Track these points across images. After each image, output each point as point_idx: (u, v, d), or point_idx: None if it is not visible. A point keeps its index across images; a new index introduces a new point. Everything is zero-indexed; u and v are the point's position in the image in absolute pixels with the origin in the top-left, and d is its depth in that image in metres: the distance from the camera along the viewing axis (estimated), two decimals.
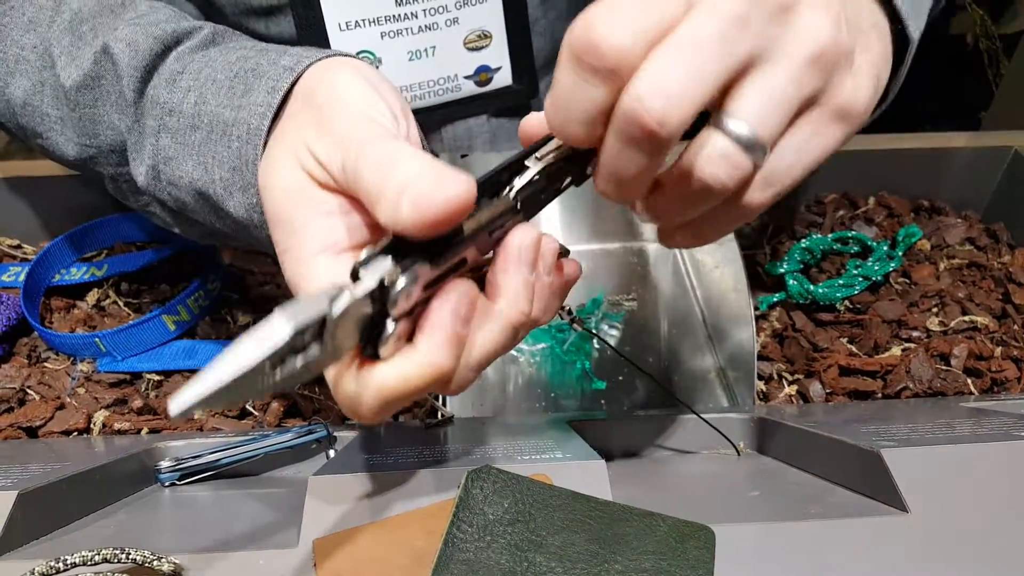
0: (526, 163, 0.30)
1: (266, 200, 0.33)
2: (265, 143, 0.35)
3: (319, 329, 0.24)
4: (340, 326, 0.25)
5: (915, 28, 0.33)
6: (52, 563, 0.30)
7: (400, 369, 0.27)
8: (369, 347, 0.27)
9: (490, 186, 0.30)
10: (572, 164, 0.31)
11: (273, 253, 0.33)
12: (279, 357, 0.24)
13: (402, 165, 0.27)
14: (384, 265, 0.26)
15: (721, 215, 0.30)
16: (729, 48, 0.24)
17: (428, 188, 0.26)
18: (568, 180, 0.31)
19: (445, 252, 0.28)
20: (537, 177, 0.30)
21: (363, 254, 0.27)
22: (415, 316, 0.28)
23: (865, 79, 0.28)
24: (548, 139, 0.31)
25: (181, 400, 0.23)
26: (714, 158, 0.26)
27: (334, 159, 0.30)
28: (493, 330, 0.30)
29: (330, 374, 0.29)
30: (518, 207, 0.30)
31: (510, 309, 0.30)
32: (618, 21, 0.24)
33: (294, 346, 0.24)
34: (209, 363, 0.23)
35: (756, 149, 0.26)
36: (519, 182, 0.30)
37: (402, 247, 0.27)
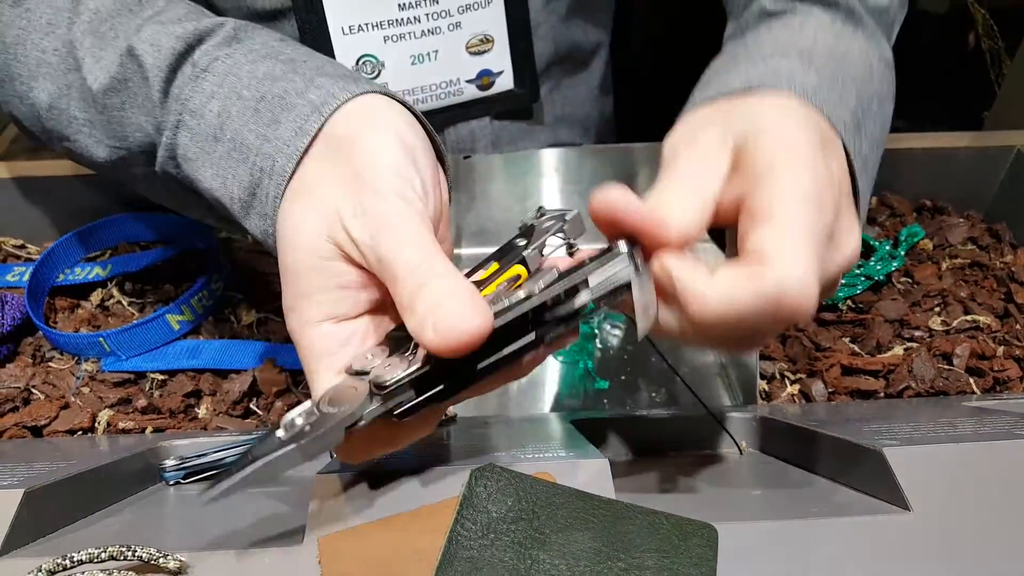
0: (580, 288, 0.32)
1: (283, 251, 0.33)
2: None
3: None
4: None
5: (865, 206, 0.39)
6: (59, 560, 0.30)
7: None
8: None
9: (538, 312, 0.32)
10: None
11: None
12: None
13: (432, 286, 0.30)
14: (406, 395, 0.31)
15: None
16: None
17: (451, 319, 0.29)
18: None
19: (457, 390, 0.32)
20: (583, 313, 0.32)
21: (392, 377, 0.30)
22: None
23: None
24: (598, 257, 0.32)
25: (209, 495, 0.29)
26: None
27: (368, 244, 0.31)
28: None
29: None
30: (542, 341, 0.32)
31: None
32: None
33: None
34: (236, 466, 0.30)
35: None
36: (562, 310, 0.32)
37: (424, 379, 0.31)
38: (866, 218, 0.39)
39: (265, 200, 0.35)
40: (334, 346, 0.32)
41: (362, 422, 0.30)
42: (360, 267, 0.33)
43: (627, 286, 0.32)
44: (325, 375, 0.32)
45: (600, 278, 0.32)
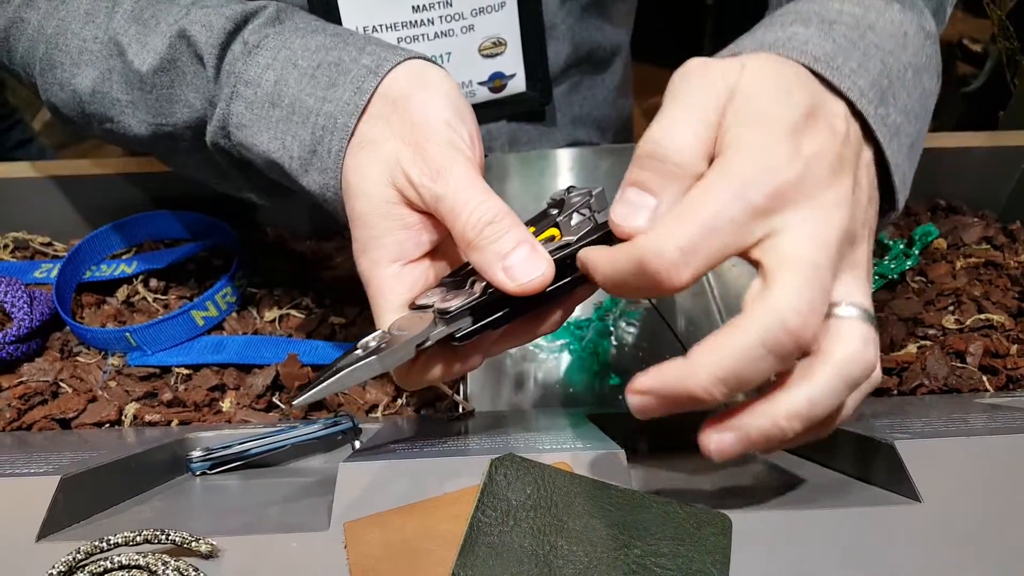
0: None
1: (352, 200, 0.37)
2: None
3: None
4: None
5: (902, 177, 0.40)
6: (96, 543, 0.31)
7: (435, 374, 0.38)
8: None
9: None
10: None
11: (332, 217, 0.41)
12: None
13: (497, 229, 0.34)
14: (465, 321, 0.36)
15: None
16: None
17: (523, 266, 0.34)
18: None
19: (508, 319, 0.36)
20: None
21: (455, 305, 0.35)
22: None
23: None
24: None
25: (298, 400, 0.34)
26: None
27: (427, 185, 0.36)
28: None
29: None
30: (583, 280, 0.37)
31: None
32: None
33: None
34: (323, 376, 0.34)
35: None
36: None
37: (481, 309, 0.36)
38: (909, 190, 0.40)
39: (327, 156, 0.39)
40: (399, 285, 0.38)
41: (429, 342, 0.35)
42: (420, 210, 0.37)
43: None
44: (390, 310, 0.37)
45: None
